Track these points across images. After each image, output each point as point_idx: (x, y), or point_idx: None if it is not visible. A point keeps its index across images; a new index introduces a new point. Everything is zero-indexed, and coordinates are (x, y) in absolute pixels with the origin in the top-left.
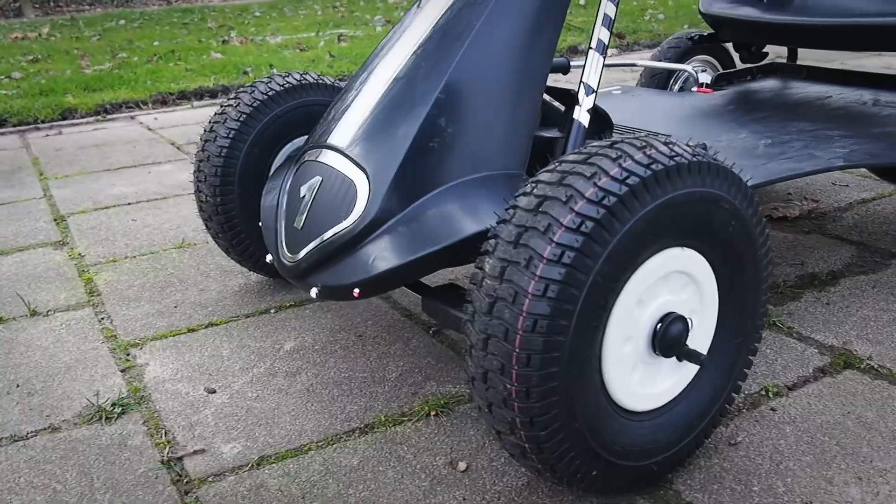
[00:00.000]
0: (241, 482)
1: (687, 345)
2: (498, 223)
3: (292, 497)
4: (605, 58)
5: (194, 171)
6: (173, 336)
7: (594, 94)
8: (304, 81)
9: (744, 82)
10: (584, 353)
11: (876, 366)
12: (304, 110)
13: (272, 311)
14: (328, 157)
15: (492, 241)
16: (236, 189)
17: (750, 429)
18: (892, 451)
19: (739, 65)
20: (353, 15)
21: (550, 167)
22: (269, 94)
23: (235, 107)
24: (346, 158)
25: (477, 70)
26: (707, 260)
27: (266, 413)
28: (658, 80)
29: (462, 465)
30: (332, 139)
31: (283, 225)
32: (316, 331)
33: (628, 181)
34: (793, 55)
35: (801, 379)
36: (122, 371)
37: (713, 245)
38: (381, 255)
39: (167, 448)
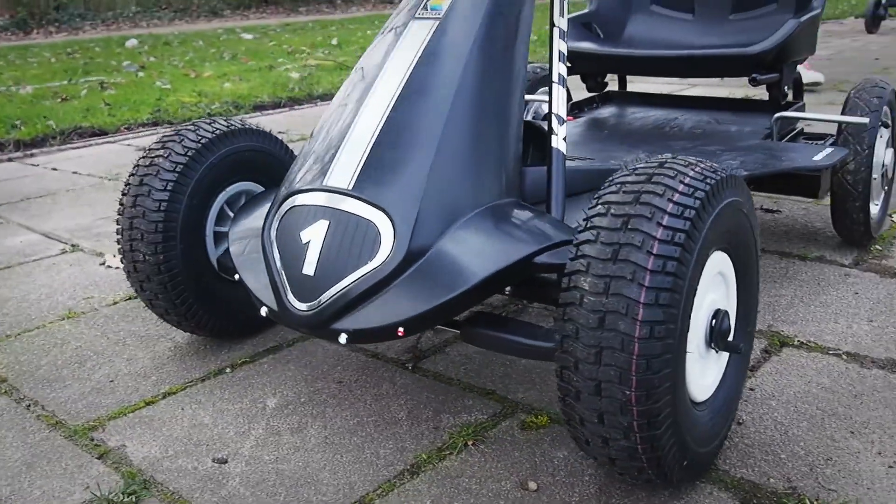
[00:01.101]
0: None
1: (730, 338)
2: (579, 244)
3: None
4: (566, 90)
5: (123, 230)
6: (133, 412)
7: (564, 123)
8: (231, 128)
9: (592, 109)
10: (682, 352)
11: (804, 342)
12: (235, 157)
13: (227, 370)
14: (331, 200)
15: (580, 262)
16: (178, 244)
17: (745, 409)
18: (861, 407)
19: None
20: (95, 62)
21: (612, 189)
22: (202, 141)
23: (167, 157)
24: (356, 199)
25: (475, 100)
26: (731, 259)
27: (300, 473)
28: None
29: (532, 485)
30: (330, 181)
31: (284, 274)
32: (289, 384)
33: (696, 195)
34: (623, 83)
35: (756, 361)
36: (98, 458)
37: (735, 246)
38: (424, 291)
39: None
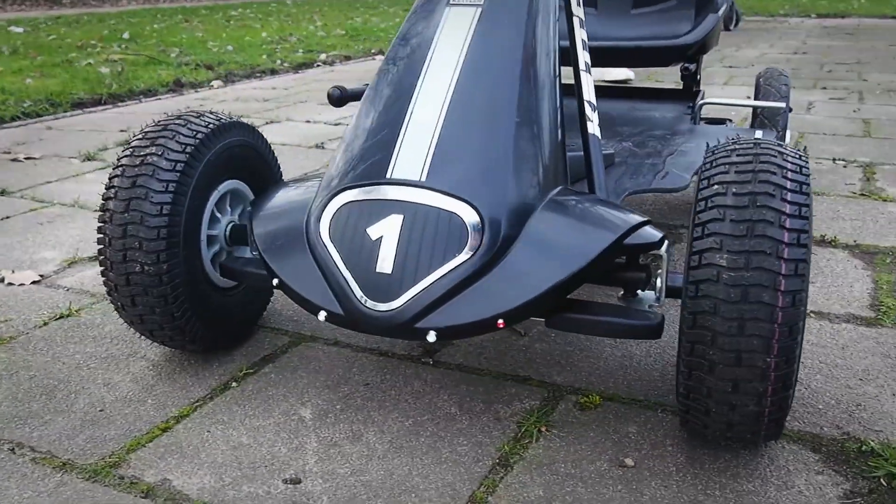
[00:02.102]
0: None
1: None
2: (704, 223)
3: None
4: (591, 76)
5: (112, 239)
6: (151, 440)
7: (596, 110)
8: (223, 121)
9: None
10: (805, 318)
11: None
12: (228, 153)
13: (232, 384)
14: (403, 194)
15: (712, 240)
16: (181, 251)
17: None
18: (853, 357)
19: None
20: None
21: (720, 169)
22: (199, 136)
23: (162, 155)
24: (434, 192)
25: (533, 85)
26: None
27: (389, 482)
28: None
29: (630, 462)
30: (397, 174)
31: (350, 275)
32: (313, 392)
33: (802, 171)
34: None
35: None
36: (144, 496)
37: None
38: (523, 280)
39: None
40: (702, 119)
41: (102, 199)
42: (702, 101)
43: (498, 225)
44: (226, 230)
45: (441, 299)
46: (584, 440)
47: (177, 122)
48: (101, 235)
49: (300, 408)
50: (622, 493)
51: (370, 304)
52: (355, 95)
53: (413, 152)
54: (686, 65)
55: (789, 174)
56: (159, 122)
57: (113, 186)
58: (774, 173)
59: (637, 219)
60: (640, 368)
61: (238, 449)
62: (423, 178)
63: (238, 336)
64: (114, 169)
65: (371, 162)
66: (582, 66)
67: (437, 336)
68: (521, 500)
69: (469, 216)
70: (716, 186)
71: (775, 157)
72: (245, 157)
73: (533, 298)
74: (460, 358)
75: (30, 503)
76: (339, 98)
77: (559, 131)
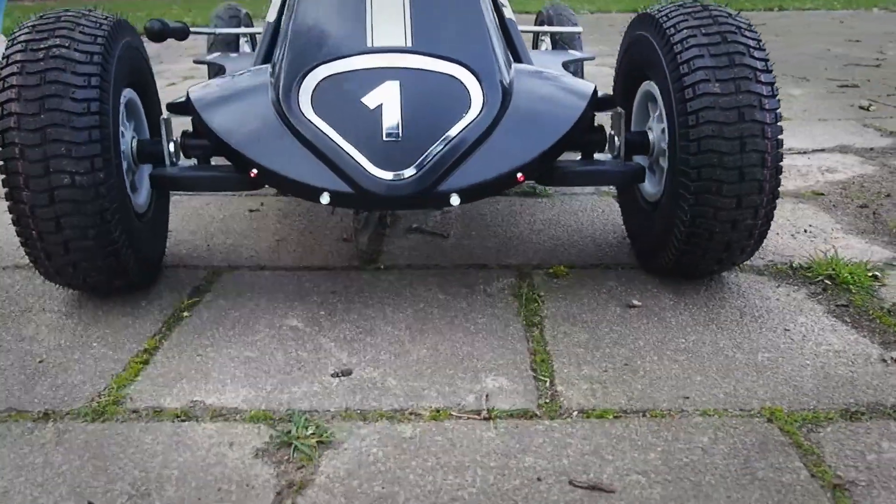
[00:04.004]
0: None
1: None
2: (696, 84)
3: None
4: None
5: (26, 148)
6: (137, 374)
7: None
8: (117, 17)
9: None
10: None
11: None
12: (128, 54)
13: (184, 314)
14: (393, 60)
15: (702, 73)
16: (114, 158)
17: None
18: None
19: None
20: None
21: (678, 21)
22: (104, 28)
23: (70, 46)
24: (425, 56)
25: None
26: None
27: (452, 353)
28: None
29: (637, 302)
30: (379, 42)
31: (354, 147)
32: (282, 308)
33: (748, 22)
34: None
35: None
36: (181, 419)
37: None
38: (532, 134)
39: None
40: None
41: None
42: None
43: (495, 85)
44: (132, 146)
45: (458, 160)
46: (581, 295)
47: (70, 14)
48: (6, 147)
49: (285, 320)
50: (647, 324)
51: (382, 174)
52: (176, 32)
53: (388, 21)
54: None
55: (740, 22)
56: (45, 15)
57: (12, 86)
58: (723, 23)
59: (591, 83)
60: (570, 245)
61: (252, 362)
62: (411, 45)
63: (149, 273)
64: (4, 66)
65: (342, 36)
66: None
67: (459, 198)
68: (575, 343)
69: (466, 77)
70: (685, 31)
71: (723, 12)
72: (137, 63)
73: (547, 149)
74: (403, 261)
75: (39, 459)
76: (160, 32)
77: (501, 9)
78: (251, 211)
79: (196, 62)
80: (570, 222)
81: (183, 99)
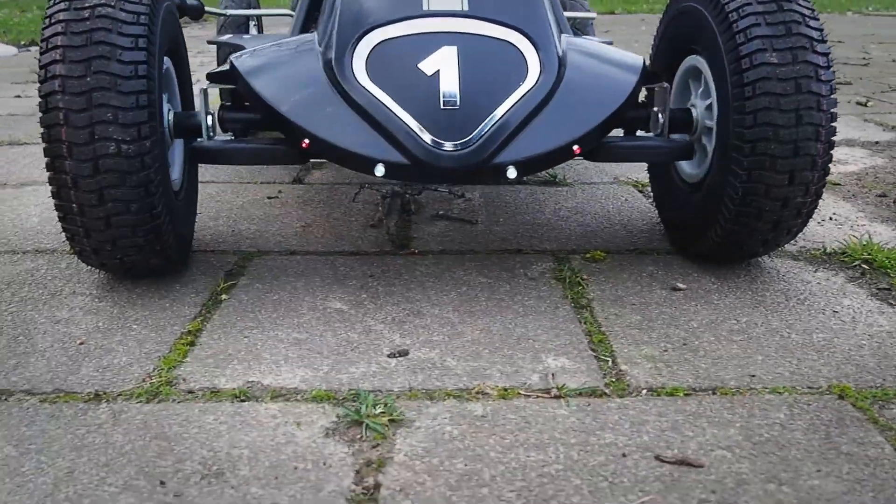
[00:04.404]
0: None
1: None
2: (746, 29)
3: None
4: None
5: (71, 113)
6: (184, 356)
7: None
8: None
9: None
10: None
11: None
12: (169, 18)
13: (223, 297)
14: (449, 24)
15: (758, 42)
16: (159, 126)
17: None
18: None
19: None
20: None
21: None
22: None
23: (116, 6)
24: (482, 20)
25: None
26: None
27: (506, 335)
28: (242, 27)
29: (681, 285)
30: (434, 5)
31: (411, 115)
32: (321, 290)
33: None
34: None
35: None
36: (240, 399)
37: None
38: (587, 106)
39: None
40: None
41: (40, 66)
42: None
43: (551, 53)
44: (169, 118)
45: (515, 130)
46: (623, 279)
47: None
48: (48, 112)
49: (327, 303)
50: (695, 306)
51: (439, 144)
52: (192, 10)
53: None
54: None
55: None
56: None
57: (56, 46)
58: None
59: (639, 56)
60: (600, 231)
61: (302, 343)
62: (467, 8)
63: (184, 253)
64: (48, 26)
65: (392, 2)
66: None
67: (516, 171)
68: (629, 324)
69: (523, 44)
70: (758, 42)
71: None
72: (175, 30)
73: (603, 122)
74: (436, 246)
75: (99, 439)
76: (178, 8)
77: None
78: (269, 198)
79: (210, 42)
80: (596, 210)
81: (224, 68)
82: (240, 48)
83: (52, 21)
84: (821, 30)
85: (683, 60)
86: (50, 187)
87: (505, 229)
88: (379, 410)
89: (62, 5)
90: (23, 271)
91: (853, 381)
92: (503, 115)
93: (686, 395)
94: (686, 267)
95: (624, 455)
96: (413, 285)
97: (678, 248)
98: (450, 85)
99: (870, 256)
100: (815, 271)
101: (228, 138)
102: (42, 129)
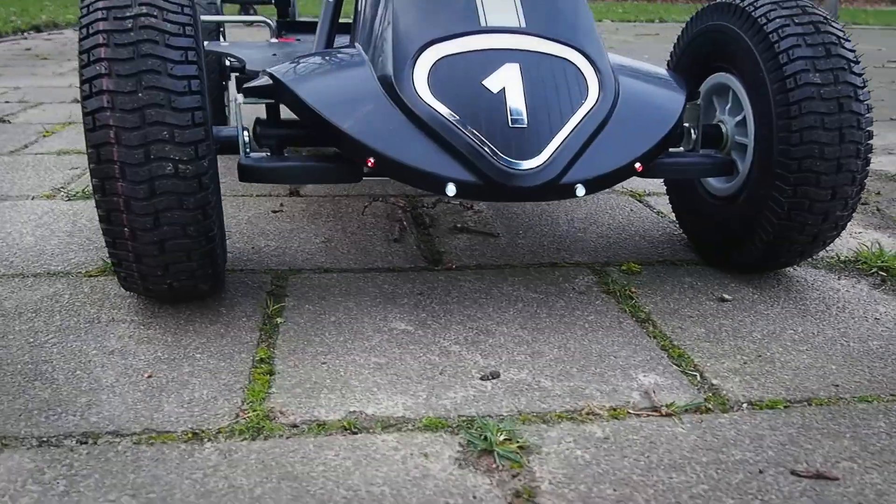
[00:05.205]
0: None
1: None
2: (788, 50)
3: None
4: None
5: (127, 131)
6: (268, 387)
7: None
8: None
9: (304, 31)
10: None
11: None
12: (202, 27)
13: (278, 320)
14: (510, 41)
15: (802, 63)
16: (213, 144)
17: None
18: None
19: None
20: None
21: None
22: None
23: (159, 16)
24: (541, 38)
25: None
26: None
27: (586, 353)
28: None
29: (728, 296)
30: (492, 22)
31: (481, 133)
32: (375, 310)
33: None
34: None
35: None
36: (351, 432)
37: None
38: (644, 125)
39: None
40: None
41: (82, 80)
42: None
43: (607, 71)
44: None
45: (581, 149)
46: (667, 291)
47: None
48: (97, 130)
49: (389, 323)
50: (749, 317)
51: (511, 163)
52: None
53: (501, 6)
54: None
55: (824, 12)
56: None
57: (100, 59)
58: (811, 13)
59: (678, 75)
60: (623, 242)
61: (386, 368)
62: (525, 25)
63: (224, 275)
64: (86, 36)
65: (453, 14)
66: None
67: (585, 189)
68: (697, 337)
69: (581, 62)
70: (777, 21)
71: (807, 2)
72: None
73: (662, 139)
74: (471, 261)
75: (221, 483)
76: None
77: None
78: (274, 212)
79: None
80: (609, 221)
81: (262, 82)
82: (232, 56)
83: (91, 31)
84: (854, 51)
85: (708, 77)
86: (98, 210)
87: (529, 242)
88: (503, 437)
89: (100, 14)
90: (44, 297)
91: None
92: (569, 134)
93: (785, 407)
94: (721, 277)
95: (761, 472)
96: (467, 302)
97: (708, 259)
98: (517, 103)
99: (885, 264)
100: (837, 279)
101: (265, 154)
102: (89, 149)
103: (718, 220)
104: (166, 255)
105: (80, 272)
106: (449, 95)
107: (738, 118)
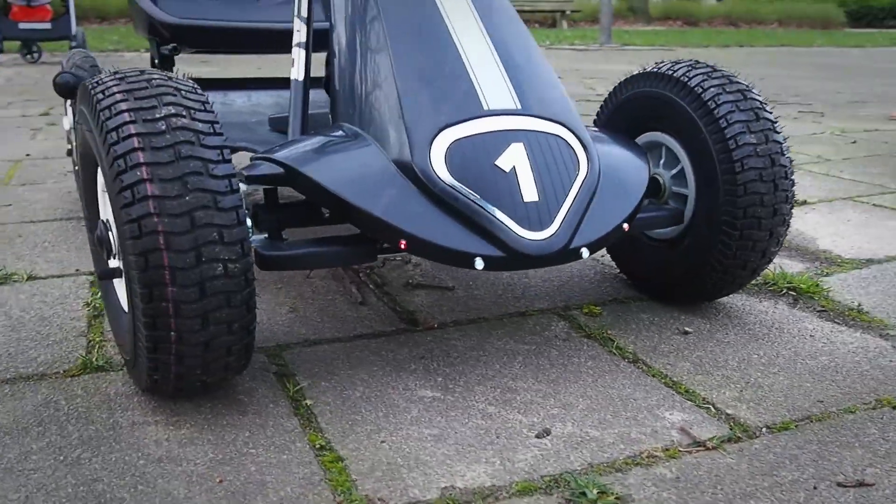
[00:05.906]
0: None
1: None
2: (722, 117)
3: None
4: None
5: (178, 236)
6: (335, 472)
7: None
8: (189, 81)
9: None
10: None
11: None
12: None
13: (307, 401)
14: (512, 123)
15: (751, 160)
16: (251, 235)
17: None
18: None
19: None
20: None
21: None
22: (201, 92)
23: (188, 116)
24: (537, 118)
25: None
26: None
27: (619, 401)
28: None
29: (689, 329)
30: (493, 105)
31: (498, 210)
32: (391, 380)
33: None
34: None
35: None
36: (452, 499)
37: None
38: (624, 188)
39: None
40: None
41: (121, 189)
42: None
43: (590, 144)
44: None
45: (582, 216)
46: (634, 329)
47: (157, 76)
48: (144, 237)
49: (415, 392)
50: (715, 346)
51: (530, 235)
52: None
53: (493, 83)
54: None
55: (743, 80)
56: (125, 76)
57: (139, 164)
58: (735, 81)
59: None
60: (572, 285)
61: (443, 439)
62: (520, 107)
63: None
64: (118, 141)
65: (458, 98)
66: None
67: (588, 252)
68: (687, 372)
69: (569, 137)
70: (712, 90)
71: (728, 72)
72: None
73: (640, 200)
74: (445, 318)
75: None
76: (74, 87)
77: None
78: None
79: None
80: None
81: (268, 169)
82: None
83: (123, 135)
84: (772, 112)
85: (640, 136)
86: (144, 319)
87: (484, 293)
88: (597, 491)
89: (128, 116)
90: (38, 407)
91: (889, 393)
92: (571, 204)
93: (797, 426)
94: (670, 311)
95: (815, 487)
96: (471, 361)
97: (654, 295)
98: (527, 179)
99: (791, 284)
100: (760, 302)
101: (263, 237)
102: (133, 257)
103: (660, 260)
104: (209, 353)
105: (56, 373)
106: (466, 176)
107: (673, 171)
